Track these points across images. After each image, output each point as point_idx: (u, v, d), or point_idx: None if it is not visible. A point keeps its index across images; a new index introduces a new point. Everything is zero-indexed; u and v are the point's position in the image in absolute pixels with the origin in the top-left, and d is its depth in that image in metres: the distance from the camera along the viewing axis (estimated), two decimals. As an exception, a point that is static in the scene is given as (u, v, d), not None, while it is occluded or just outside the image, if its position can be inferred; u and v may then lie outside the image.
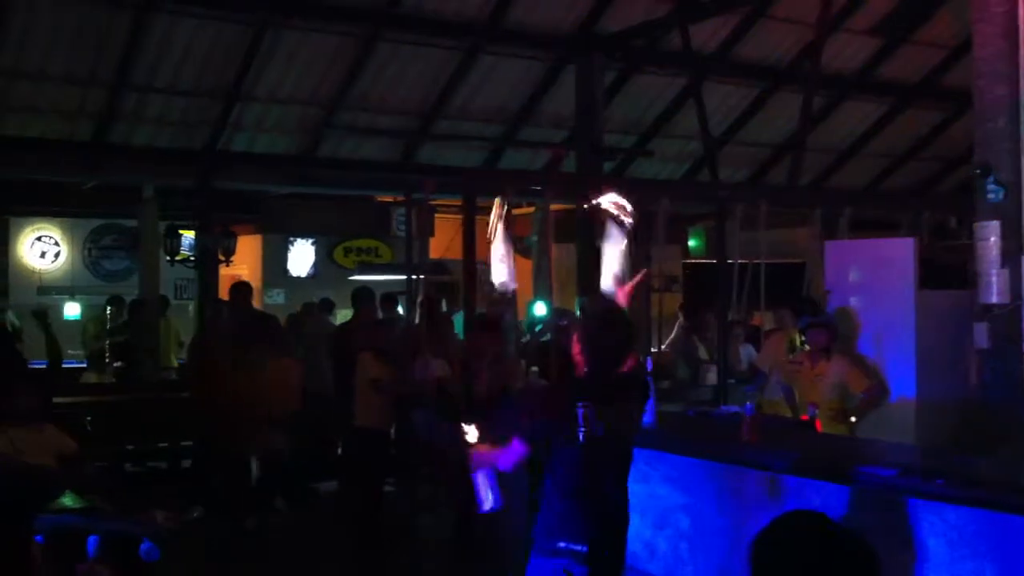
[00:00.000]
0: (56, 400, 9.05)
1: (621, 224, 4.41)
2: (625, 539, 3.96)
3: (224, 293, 11.78)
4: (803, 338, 7.13)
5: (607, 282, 4.30)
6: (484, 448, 4.04)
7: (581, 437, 3.77)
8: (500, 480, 4.05)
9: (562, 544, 3.79)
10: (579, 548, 3.76)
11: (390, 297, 10.63)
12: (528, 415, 3.97)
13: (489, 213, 14.62)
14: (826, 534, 2.31)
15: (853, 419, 6.74)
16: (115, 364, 12.02)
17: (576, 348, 3.97)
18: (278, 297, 15.11)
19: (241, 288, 10.25)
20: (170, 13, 9.80)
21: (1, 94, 10.06)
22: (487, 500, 4.05)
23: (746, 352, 11.37)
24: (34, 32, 9.58)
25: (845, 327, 7.07)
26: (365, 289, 10.41)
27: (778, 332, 8.42)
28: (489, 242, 4.41)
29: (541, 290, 11.89)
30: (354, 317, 10.03)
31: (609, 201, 4.47)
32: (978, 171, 5.88)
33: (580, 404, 3.80)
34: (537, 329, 11.86)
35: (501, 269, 4.48)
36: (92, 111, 10.49)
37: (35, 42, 9.66)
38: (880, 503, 4.23)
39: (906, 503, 4.15)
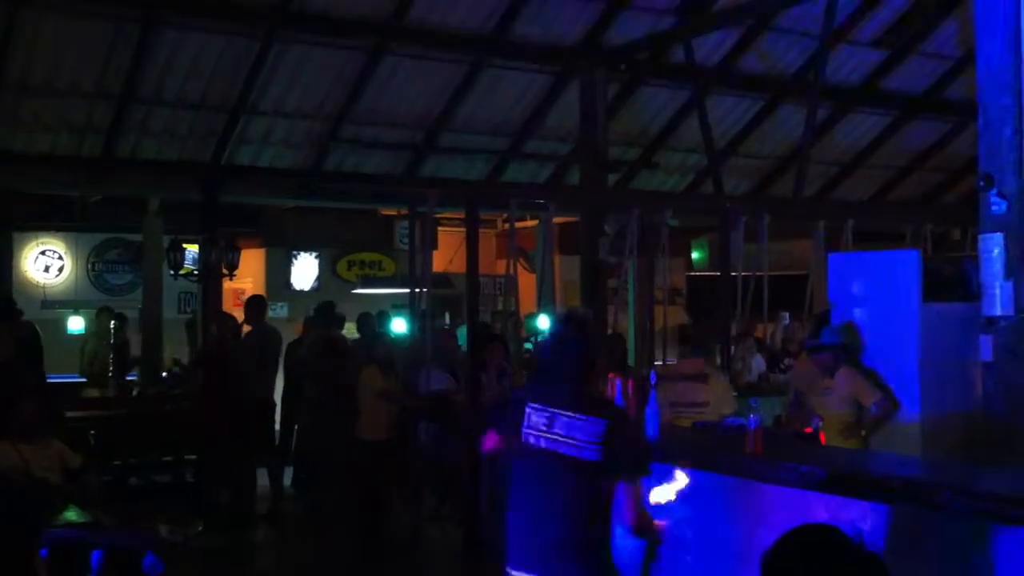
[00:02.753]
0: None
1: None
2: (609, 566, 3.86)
3: (227, 306, 11.79)
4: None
5: None
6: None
7: (527, 441, 3.71)
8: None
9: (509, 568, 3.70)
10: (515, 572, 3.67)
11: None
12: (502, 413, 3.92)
13: (492, 226, 14.62)
14: (838, 546, 2.31)
15: (864, 432, 6.70)
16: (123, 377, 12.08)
17: (541, 360, 3.94)
18: (281, 310, 15.13)
19: (254, 302, 10.28)
20: (176, 27, 9.84)
21: (8, 109, 10.09)
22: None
23: (756, 363, 11.36)
24: (41, 47, 9.61)
25: (851, 341, 7.03)
26: (330, 303, 10.51)
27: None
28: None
29: (545, 302, 11.90)
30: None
31: None
32: (981, 183, 5.88)
33: (535, 407, 3.73)
34: (539, 340, 11.88)
35: None
36: (99, 125, 10.51)
37: (42, 57, 9.69)
38: (887, 515, 4.22)
39: (912, 514, 4.14)
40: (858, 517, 4.23)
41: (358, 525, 8.48)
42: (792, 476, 4.53)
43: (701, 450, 5.41)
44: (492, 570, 3.97)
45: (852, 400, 6.71)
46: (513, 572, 3.69)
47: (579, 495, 3.65)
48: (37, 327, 11.59)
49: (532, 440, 3.70)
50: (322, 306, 10.54)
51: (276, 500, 9.97)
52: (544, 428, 3.68)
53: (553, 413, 3.69)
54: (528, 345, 11.95)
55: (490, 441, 3.93)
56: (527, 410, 3.72)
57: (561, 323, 4.02)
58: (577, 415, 3.67)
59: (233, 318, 10.48)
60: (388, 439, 8.37)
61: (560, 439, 3.66)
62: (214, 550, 7.86)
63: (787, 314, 11.65)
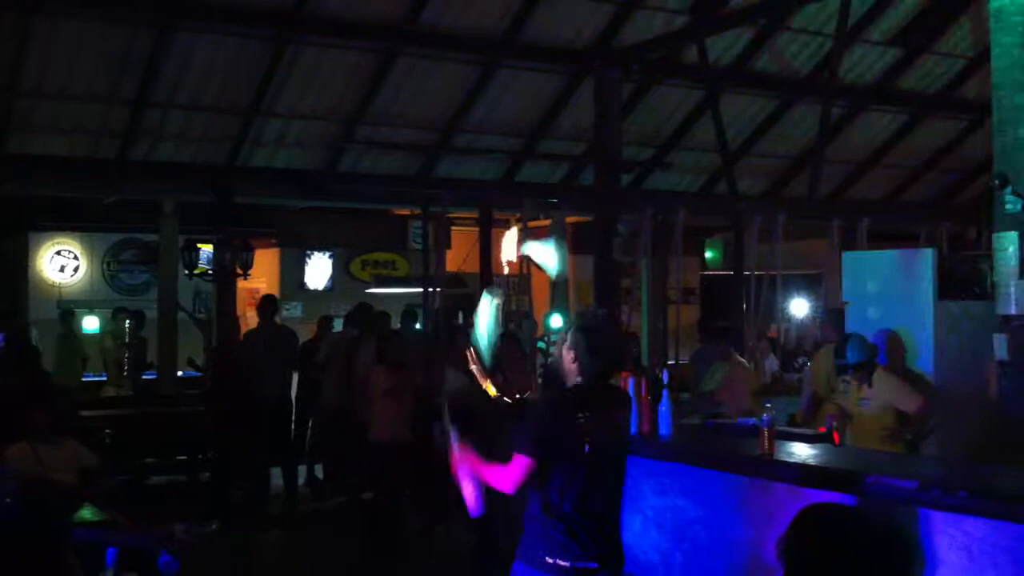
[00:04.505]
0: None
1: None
2: (621, 555, 3.97)
3: (242, 306, 11.82)
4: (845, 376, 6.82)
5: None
6: (471, 457, 3.97)
7: (587, 448, 3.81)
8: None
9: (548, 559, 3.78)
10: (565, 563, 3.76)
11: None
12: (528, 429, 3.92)
13: (507, 226, 14.67)
14: (860, 521, 2.32)
15: (909, 438, 6.51)
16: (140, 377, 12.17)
17: (568, 357, 3.96)
18: (295, 310, 15.21)
19: (262, 302, 10.32)
20: (190, 31, 9.88)
21: (25, 113, 10.15)
22: (474, 505, 3.96)
23: (770, 364, 11.34)
24: (56, 51, 9.66)
25: (894, 349, 6.89)
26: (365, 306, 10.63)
27: (825, 348, 8.22)
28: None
29: (558, 301, 11.93)
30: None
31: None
32: (996, 182, 5.86)
33: (579, 415, 3.84)
34: (555, 341, 11.90)
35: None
36: (114, 128, 10.56)
37: (57, 61, 9.74)
38: (900, 515, 4.22)
39: (924, 515, 4.13)
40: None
41: (372, 527, 8.48)
42: (804, 475, 4.53)
43: (714, 450, 5.41)
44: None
45: (890, 407, 6.54)
46: (567, 563, 3.78)
47: (623, 481, 4.01)
48: (30, 327, 11.74)
49: (588, 447, 3.83)
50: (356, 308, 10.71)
51: (290, 500, 10.00)
52: (596, 431, 3.85)
53: (598, 414, 3.88)
54: (541, 344, 11.96)
55: (514, 475, 3.86)
56: (579, 421, 3.83)
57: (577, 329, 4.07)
58: (614, 408, 3.99)
59: (235, 318, 10.56)
60: (402, 440, 8.34)
61: (610, 434, 3.92)
62: (229, 549, 7.89)
63: (803, 310, 11.63)
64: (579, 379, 3.95)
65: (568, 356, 3.96)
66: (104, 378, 12.58)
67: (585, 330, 3.98)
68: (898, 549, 2.29)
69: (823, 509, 2.40)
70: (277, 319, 10.89)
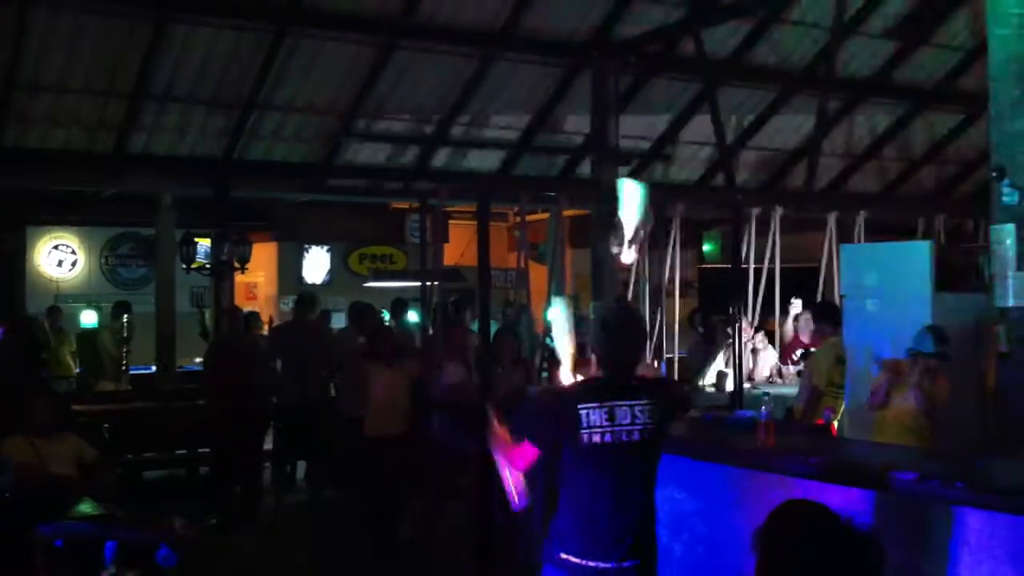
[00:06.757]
0: (75, 408, 9.17)
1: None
2: (649, 551, 3.91)
3: (239, 300, 11.78)
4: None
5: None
6: (507, 442, 3.94)
7: (585, 442, 3.74)
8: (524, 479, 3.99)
9: (561, 554, 3.75)
10: (577, 560, 3.72)
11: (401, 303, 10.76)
12: (538, 418, 3.91)
13: (504, 219, 14.60)
14: (827, 526, 2.33)
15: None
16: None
17: (588, 349, 3.93)
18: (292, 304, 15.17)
19: (305, 299, 10.23)
20: (188, 23, 9.87)
21: (22, 106, 10.14)
22: (515, 498, 3.91)
23: (769, 357, 11.31)
24: (53, 45, 9.65)
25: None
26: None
27: (826, 343, 8.14)
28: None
29: (555, 295, 11.89)
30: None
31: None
32: (993, 174, 5.86)
33: (584, 408, 3.77)
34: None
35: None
36: (111, 122, 10.56)
37: (54, 54, 9.73)
38: (898, 507, 4.22)
39: (924, 507, 4.14)
40: (862, 508, 4.23)
41: (369, 524, 8.46)
42: (802, 468, 4.54)
43: (712, 442, 5.42)
44: (504, 567, 3.98)
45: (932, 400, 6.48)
46: (576, 559, 3.73)
47: (651, 476, 3.90)
48: (33, 321, 11.75)
49: (597, 438, 3.75)
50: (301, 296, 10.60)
51: (289, 496, 10.00)
52: (607, 423, 3.76)
53: (612, 406, 3.78)
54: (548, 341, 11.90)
55: (525, 458, 3.89)
56: (580, 412, 3.75)
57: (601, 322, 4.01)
58: (634, 401, 3.82)
59: (239, 310, 10.51)
60: (399, 436, 8.26)
61: (625, 428, 3.79)
62: (228, 544, 7.89)
63: (799, 302, 11.61)
64: (599, 372, 3.89)
65: (588, 349, 3.94)
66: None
67: (604, 323, 3.93)
68: (865, 555, 2.31)
69: (796, 507, 2.42)
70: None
